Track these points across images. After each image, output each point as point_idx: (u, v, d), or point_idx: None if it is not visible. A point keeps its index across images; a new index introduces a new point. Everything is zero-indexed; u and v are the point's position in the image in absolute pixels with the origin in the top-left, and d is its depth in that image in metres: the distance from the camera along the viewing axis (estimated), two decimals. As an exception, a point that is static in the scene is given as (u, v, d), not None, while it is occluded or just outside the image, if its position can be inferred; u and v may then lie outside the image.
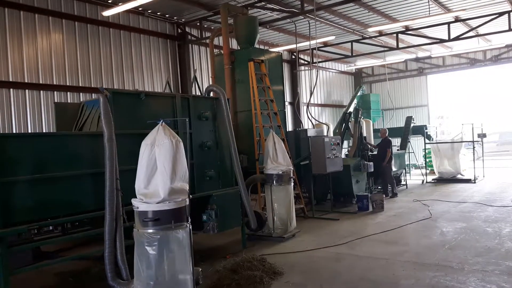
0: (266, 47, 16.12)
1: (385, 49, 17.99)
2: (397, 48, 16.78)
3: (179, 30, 14.37)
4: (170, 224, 4.29)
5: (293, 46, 15.98)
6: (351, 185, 11.22)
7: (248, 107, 10.05)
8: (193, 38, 14.55)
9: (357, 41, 17.10)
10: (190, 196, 4.64)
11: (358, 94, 18.70)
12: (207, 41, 13.20)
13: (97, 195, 5.50)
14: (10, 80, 10.04)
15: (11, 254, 4.84)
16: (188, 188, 4.57)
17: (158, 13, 13.42)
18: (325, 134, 13.31)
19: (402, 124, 17.66)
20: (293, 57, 19.10)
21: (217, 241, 8.26)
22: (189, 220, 4.52)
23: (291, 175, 8.38)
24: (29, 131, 10.16)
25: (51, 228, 7.24)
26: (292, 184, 8.46)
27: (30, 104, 10.37)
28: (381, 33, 16.76)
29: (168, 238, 4.29)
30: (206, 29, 14.58)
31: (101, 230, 5.37)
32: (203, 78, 14.67)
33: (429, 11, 14.10)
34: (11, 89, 10.06)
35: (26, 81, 10.31)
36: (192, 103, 6.98)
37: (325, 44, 17.88)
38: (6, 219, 4.78)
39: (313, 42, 14.43)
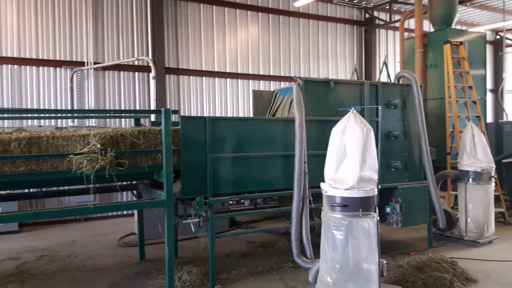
0: (465, 27, 14.34)
1: None
2: None
3: (367, 15, 14.04)
4: (357, 212, 4.28)
5: (499, 24, 13.82)
6: None
7: (440, 94, 9.21)
8: (381, 22, 14.02)
9: None
10: (379, 186, 4.53)
11: None
12: (396, 24, 12.53)
13: (286, 175, 5.91)
14: (216, 70, 11.57)
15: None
16: (377, 178, 4.47)
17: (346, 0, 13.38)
18: (537, 128, 11.17)
19: None
20: (498, 37, 16.53)
21: (399, 236, 7.93)
22: (377, 211, 4.43)
23: (492, 174, 7.35)
24: (229, 115, 11.56)
25: (242, 201, 8.14)
26: (493, 184, 7.41)
27: (230, 91, 11.79)
28: None
29: (355, 225, 4.28)
30: (395, 12, 13.86)
31: (288, 208, 5.77)
32: (389, 64, 14.03)
33: None
34: (216, 78, 11.62)
35: (227, 70, 11.75)
36: (381, 90, 6.77)
37: (542, 20, 14.87)
38: (214, 189, 5.56)
39: (526, 18, 12.18)
